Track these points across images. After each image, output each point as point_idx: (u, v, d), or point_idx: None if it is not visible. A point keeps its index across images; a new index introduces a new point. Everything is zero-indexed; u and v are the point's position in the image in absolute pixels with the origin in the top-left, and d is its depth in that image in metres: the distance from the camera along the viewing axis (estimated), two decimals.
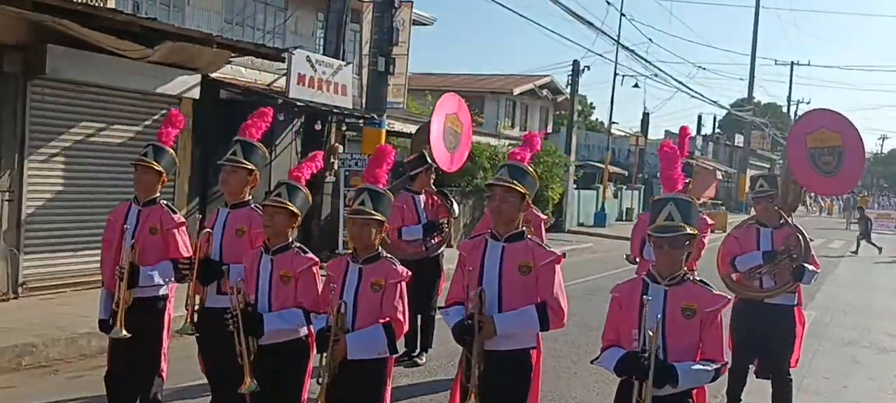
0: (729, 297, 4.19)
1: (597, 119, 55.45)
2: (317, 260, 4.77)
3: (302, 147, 14.49)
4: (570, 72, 26.93)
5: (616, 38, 30.09)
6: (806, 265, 6.55)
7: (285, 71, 13.41)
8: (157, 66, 11.42)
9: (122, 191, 10.41)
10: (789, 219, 6.82)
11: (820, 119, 7.04)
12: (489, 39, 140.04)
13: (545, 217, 8.03)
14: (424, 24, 25.58)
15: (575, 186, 28.32)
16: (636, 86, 34.19)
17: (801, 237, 6.69)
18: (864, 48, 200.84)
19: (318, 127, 13.72)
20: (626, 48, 30.00)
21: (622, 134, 43.07)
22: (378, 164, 4.72)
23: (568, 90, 29.75)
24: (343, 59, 14.80)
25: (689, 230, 3.84)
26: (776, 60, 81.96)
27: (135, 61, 11.02)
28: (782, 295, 6.65)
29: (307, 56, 13.29)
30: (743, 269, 6.67)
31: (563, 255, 4.55)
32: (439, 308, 6.81)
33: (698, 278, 4.00)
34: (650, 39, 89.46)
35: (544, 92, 40.83)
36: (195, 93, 12.09)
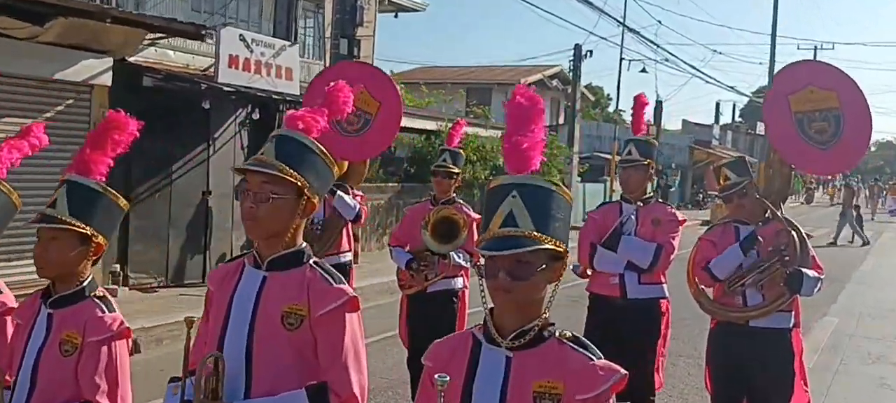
0: None
1: (614, 109, 53.47)
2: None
3: (249, 140, 12.84)
4: (572, 57, 25.06)
5: (621, 20, 28.20)
6: (804, 270, 4.78)
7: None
8: (54, 48, 9.82)
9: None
10: (778, 211, 5.05)
11: (806, 74, 5.18)
12: (485, 26, 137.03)
13: (477, 217, 6.30)
14: (414, 11, 23.89)
15: (580, 180, 26.48)
16: (644, 71, 32.31)
17: (794, 233, 4.92)
18: (885, 29, 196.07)
19: (256, 115, 12.04)
20: (632, 30, 28.05)
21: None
22: (96, 144, 3.03)
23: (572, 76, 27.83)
24: (295, 41, 13.12)
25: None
26: (799, 45, 78.14)
27: (23, 42, 9.42)
28: (773, 316, 4.88)
29: (240, 34, 11.62)
30: (723, 274, 4.93)
31: None
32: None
33: None
34: (659, 22, 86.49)
35: (554, 82, 38.99)
36: (107, 80, 10.47)
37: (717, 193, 5.22)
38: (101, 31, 10.08)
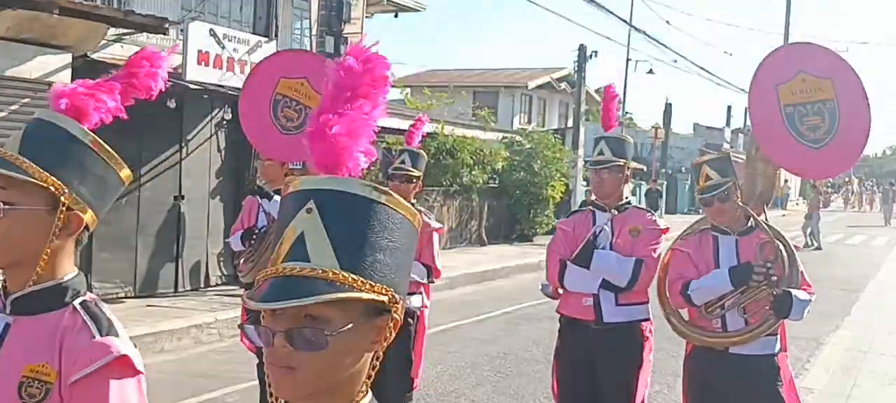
0: None
1: (626, 114, 52.56)
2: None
3: (226, 142, 12.21)
4: (576, 58, 24.33)
5: (627, 20, 27.46)
6: (793, 291, 4.07)
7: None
8: (8, 43, 9.24)
9: None
10: (761, 219, 4.35)
11: (796, 59, 4.40)
12: (490, 28, 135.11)
13: (439, 227, 5.62)
14: (414, 11, 23.23)
15: (585, 184, 25.73)
16: (650, 72, 31.45)
17: (782, 246, 4.21)
18: None
19: (228, 115, 11.40)
20: (638, 30, 27.30)
21: (643, 128, 40.30)
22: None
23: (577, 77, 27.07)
24: (275, 38, 12.49)
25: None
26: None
27: None
28: (758, 342, 4.17)
29: (211, 30, 10.99)
30: (701, 301, 4.22)
31: None
32: None
33: None
34: (668, 22, 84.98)
35: (562, 85, 38.34)
36: (65, 77, 9.84)
37: (697, 194, 4.50)
38: (57, 25, 9.49)
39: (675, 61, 47.30)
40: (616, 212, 4.70)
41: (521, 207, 20.73)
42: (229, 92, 11.20)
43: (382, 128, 12.88)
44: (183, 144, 11.67)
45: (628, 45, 29.68)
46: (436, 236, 5.47)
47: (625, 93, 34.33)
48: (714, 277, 4.24)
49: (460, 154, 17.99)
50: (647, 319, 4.69)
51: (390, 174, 5.49)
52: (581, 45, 24.12)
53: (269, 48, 11.76)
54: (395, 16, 22.92)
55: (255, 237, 5.96)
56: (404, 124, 19.49)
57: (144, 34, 10.55)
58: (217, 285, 12.34)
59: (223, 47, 10.98)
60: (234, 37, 11.37)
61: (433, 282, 5.52)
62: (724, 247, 4.30)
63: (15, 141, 1.85)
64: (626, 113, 38.77)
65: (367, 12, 19.98)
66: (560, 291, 4.82)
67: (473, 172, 18.46)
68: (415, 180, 5.48)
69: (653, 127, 34.94)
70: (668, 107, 34.02)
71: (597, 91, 50.12)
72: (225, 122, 12.09)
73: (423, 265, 5.37)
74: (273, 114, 5.92)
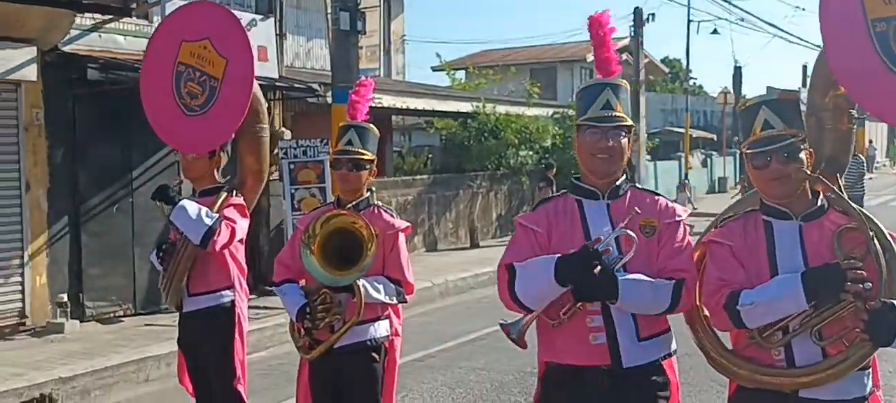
0: None
1: (695, 83, 50.06)
2: None
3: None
4: (632, 22, 22.57)
5: None
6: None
7: None
8: None
9: None
10: (840, 193, 2.87)
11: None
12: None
13: (405, 226, 4.16)
14: None
15: (649, 158, 23.98)
16: (715, 32, 29.32)
17: (875, 235, 2.70)
18: None
19: None
20: None
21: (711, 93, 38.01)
22: None
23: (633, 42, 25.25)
24: (278, 16, 11.21)
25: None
26: None
27: None
28: (843, 380, 2.69)
29: None
30: (759, 322, 2.78)
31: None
32: None
33: None
34: None
35: (624, 56, 36.39)
36: (31, 74, 8.76)
37: (744, 149, 2.97)
38: (13, 14, 8.39)
39: (742, 19, 44.54)
40: (610, 199, 3.16)
41: None
42: None
43: (432, 111, 11.15)
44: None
45: (689, 4, 27.67)
46: (402, 238, 4.08)
47: (687, 57, 32.36)
48: (779, 286, 2.75)
49: (504, 133, 16.51)
50: (673, 354, 3.18)
51: (332, 160, 4.12)
52: (636, 7, 22.37)
53: (266, 26, 10.49)
54: None
55: (161, 254, 4.65)
56: (456, 106, 18.18)
57: (121, 20, 9.38)
58: None
59: None
60: None
61: (406, 302, 4.12)
62: (783, 238, 2.82)
63: None
64: (691, 78, 36.68)
65: None
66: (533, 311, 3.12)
67: (521, 152, 16.94)
68: (368, 165, 4.11)
69: (721, 91, 32.66)
70: (738, 70, 31.86)
71: (663, 60, 47.83)
72: None
73: (390, 280, 4.00)
74: (176, 92, 4.61)
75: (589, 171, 3.15)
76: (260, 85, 10.70)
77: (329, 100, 12.73)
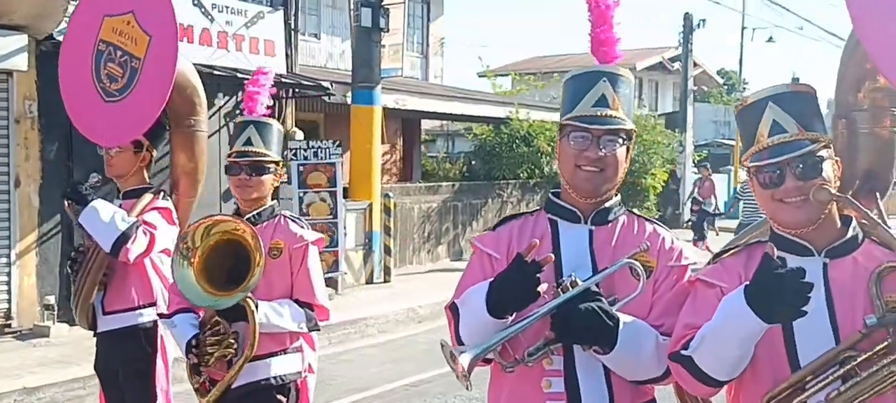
0: None
1: (737, 87, 48.41)
2: None
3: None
4: (682, 30, 21.63)
5: None
6: None
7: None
8: None
9: None
10: (881, 220, 2.12)
11: None
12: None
13: (318, 237, 3.44)
14: None
15: (696, 171, 22.95)
16: (771, 40, 28.09)
17: None
18: None
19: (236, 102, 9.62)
20: None
21: None
22: None
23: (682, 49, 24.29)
24: (295, 10, 10.63)
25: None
26: None
27: None
28: None
29: None
30: (713, 365, 2.09)
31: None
32: None
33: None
34: None
35: (675, 65, 35.43)
36: (22, 64, 8.30)
37: (746, 163, 2.21)
38: (2, 1, 7.93)
39: (801, 28, 42.95)
40: (594, 225, 2.41)
41: None
42: (219, 73, 9.35)
43: (460, 115, 10.11)
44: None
45: (744, 10, 26.54)
46: (314, 253, 3.39)
47: (741, 65, 31.11)
48: (721, 307, 2.08)
49: (536, 140, 15.74)
50: None
51: (227, 164, 3.44)
52: (686, 13, 21.43)
53: (274, 19, 9.90)
54: None
55: (71, 261, 4.03)
56: (491, 111, 17.37)
57: None
58: None
59: (212, 19, 9.16)
60: (227, 6, 9.48)
61: (318, 329, 3.42)
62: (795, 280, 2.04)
63: None
64: (745, 86, 35.35)
65: None
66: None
67: (550, 160, 16.16)
68: (271, 168, 3.43)
69: None
70: (795, 82, 30.54)
71: (719, 72, 46.40)
72: (239, 111, 10.36)
73: (299, 304, 3.32)
74: (96, 75, 3.98)
75: (571, 187, 2.38)
76: (286, 83, 10.21)
77: (349, 100, 12.16)
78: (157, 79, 3.79)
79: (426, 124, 21.94)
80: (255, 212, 3.39)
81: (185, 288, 3.13)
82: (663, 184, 18.78)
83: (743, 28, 27.33)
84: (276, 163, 3.45)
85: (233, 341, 3.19)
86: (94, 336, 4.07)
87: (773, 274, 1.92)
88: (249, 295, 3.13)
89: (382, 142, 12.50)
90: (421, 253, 14.05)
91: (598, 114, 2.32)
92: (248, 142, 3.40)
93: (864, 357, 2.00)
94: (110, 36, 3.90)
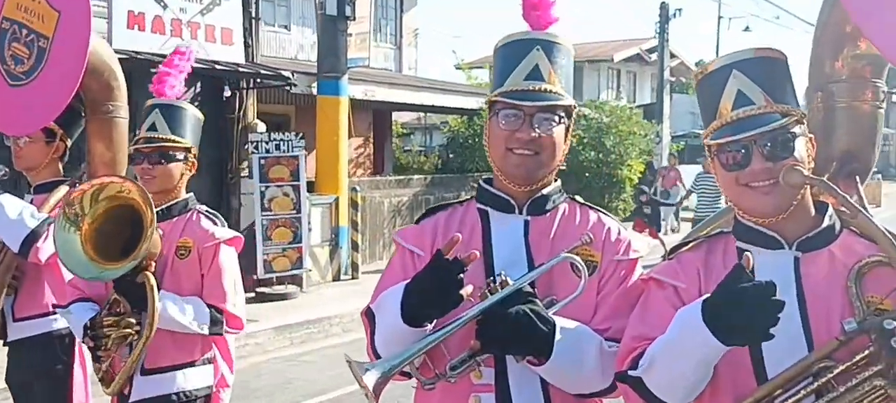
0: None
1: None
2: None
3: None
4: (658, 19, 21.42)
5: None
6: None
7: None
8: None
9: None
10: (861, 206, 1.83)
11: None
12: None
13: (233, 236, 3.10)
14: None
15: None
16: (747, 29, 28.02)
17: None
18: None
19: (227, 93, 9.23)
20: None
21: None
22: None
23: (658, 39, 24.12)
24: None
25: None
26: None
27: None
28: None
29: None
30: (665, 389, 1.80)
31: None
32: None
33: None
34: None
35: (653, 56, 35.41)
36: None
37: (707, 142, 1.91)
38: None
39: (778, 17, 42.98)
40: (530, 215, 2.11)
41: (593, 192, 17.95)
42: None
43: (441, 108, 9.56)
44: (136, 133, 9.56)
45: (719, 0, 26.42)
46: (226, 253, 3.06)
47: (717, 54, 31.02)
48: (675, 322, 1.80)
49: None
50: None
51: (132, 153, 3.12)
52: (662, 2, 21.20)
53: (230, 6, 9.52)
54: None
55: None
56: (466, 103, 17.03)
57: None
58: None
59: (165, 6, 8.77)
60: None
61: (221, 334, 3.08)
62: (768, 278, 1.70)
63: None
64: None
65: None
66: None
67: (587, 150, 15.83)
68: (180, 156, 3.10)
69: None
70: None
71: (697, 63, 46.38)
72: (197, 101, 9.97)
73: (208, 307, 2.99)
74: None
75: (502, 173, 2.09)
76: (222, 70, 9.86)
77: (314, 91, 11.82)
78: (68, 60, 3.43)
79: (403, 118, 21.61)
80: (164, 206, 3.06)
81: (67, 255, 2.77)
82: (640, 175, 18.54)
83: (719, 17, 27.20)
84: (187, 149, 3.12)
85: (133, 321, 2.87)
86: (4, 344, 3.72)
87: (735, 288, 1.62)
88: (146, 269, 2.80)
89: (351, 135, 12.17)
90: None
91: (531, 88, 2.02)
92: (152, 127, 3.08)
93: (841, 368, 1.71)
94: (14, 13, 3.53)
